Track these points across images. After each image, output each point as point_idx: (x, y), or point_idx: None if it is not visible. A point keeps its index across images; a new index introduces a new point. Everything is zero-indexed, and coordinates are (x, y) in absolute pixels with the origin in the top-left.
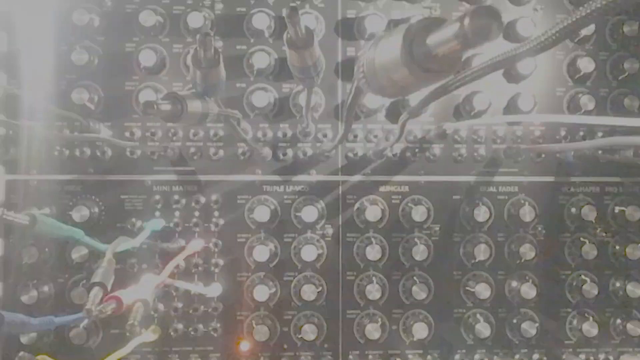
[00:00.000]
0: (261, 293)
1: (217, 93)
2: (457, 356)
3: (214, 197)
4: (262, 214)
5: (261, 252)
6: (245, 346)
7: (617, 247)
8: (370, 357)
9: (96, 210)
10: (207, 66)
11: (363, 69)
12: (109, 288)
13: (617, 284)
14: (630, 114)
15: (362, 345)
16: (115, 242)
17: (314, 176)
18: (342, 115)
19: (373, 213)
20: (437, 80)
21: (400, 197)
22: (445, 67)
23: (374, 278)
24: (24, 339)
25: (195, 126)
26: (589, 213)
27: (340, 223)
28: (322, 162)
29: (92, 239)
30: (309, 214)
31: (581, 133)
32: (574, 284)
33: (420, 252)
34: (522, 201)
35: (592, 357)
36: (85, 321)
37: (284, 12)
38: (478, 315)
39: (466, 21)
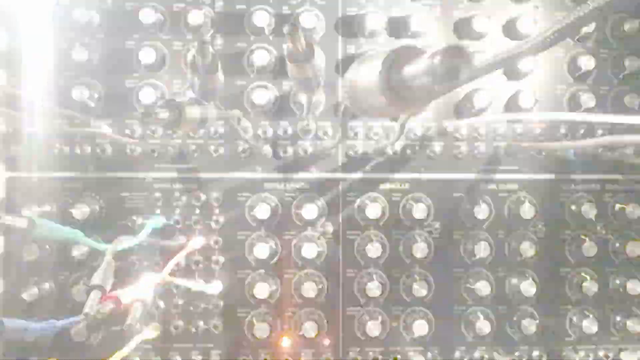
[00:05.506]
0: (262, 290)
1: (216, 97)
2: (457, 353)
3: (214, 195)
4: (262, 211)
5: (262, 250)
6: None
7: (618, 245)
8: (370, 354)
9: (97, 207)
10: (205, 72)
11: (347, 89)
12: (107, 290)
13: (618, 282)
14: (631, 112)
15: (362, 342)
16: (115, 242)
17: (314, 174)
18: (339, 121)
19: (373, 211)
20: (415, 108)
21: (400, 194)
22: (422, 98)
23: (374, 275)
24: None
25: (196, 131)
26: (590, 210)
27: (340, 220)
28: (322, 159)
29: (92, 239)
30: (310, 211)
31: (582, 131)
32: (574, 281)
33: (420, 249)
34: (523, 199)
35: (592, 354)
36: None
37: (285, 29)
38: (478, 313)
39: (436, 59)
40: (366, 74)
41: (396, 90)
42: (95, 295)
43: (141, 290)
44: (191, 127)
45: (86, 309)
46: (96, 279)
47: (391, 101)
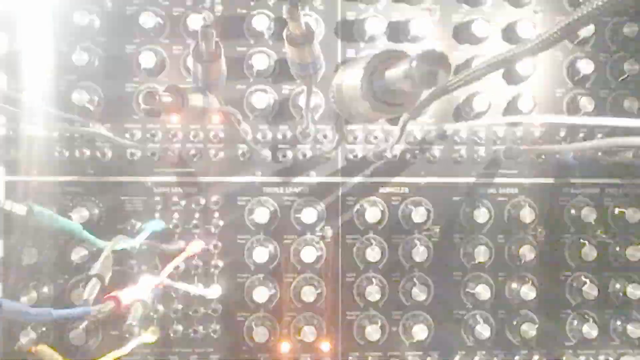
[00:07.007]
0: (261, 294)
1: (218, 88)
2: (457, 357)
3: (213, 199)
4: (261, 215)
5: (261, 254)
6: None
7: (617, 249)
8: (369, 358)
9: (96, 211)
10: (208, 60)
11: (333, 94)
12: (106, 281)
13: (617, 286)
14: (630, 115)
15: (361, 346)
16: (115, 240)
17: (313, 178)
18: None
19: (373, 214)
20: (396, 113)
21: (400, 198)
22: (404, 102)
23: (373, 279)
24: (23, 340)
25: (196, 122)
26: (589, 214)
27: (340, 224)
28: (321, 163)
29: (87, 249)
30: (309, 215)
31: (581, 134)
32: (574, 285)
33: (420, 253)
34: (522, 202)
35: (592, 359)
36: (85, 322)
37: (284, 8)
38: (478, 317)
39: (413, 64)
40: (350, 80)
41: (378, 96)
42: (93, 283)
43: (141, 291)
44: (192, 115)
45: (85, 296)
46: (94, 270)
47: (374, 106)
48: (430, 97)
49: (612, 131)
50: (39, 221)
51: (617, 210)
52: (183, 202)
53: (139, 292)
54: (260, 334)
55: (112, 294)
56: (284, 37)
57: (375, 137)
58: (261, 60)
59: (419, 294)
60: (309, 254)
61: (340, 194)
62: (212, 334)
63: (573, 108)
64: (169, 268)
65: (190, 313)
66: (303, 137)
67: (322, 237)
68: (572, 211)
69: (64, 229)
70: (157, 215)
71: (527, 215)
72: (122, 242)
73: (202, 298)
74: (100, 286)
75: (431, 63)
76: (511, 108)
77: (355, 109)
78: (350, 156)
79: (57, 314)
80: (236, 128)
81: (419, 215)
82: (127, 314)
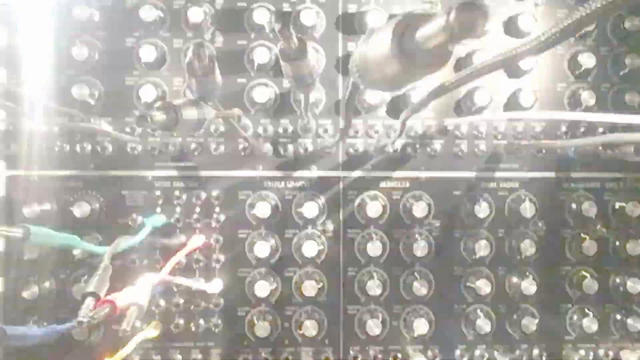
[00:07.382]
0: (262, 289)
1: (213, 98)
2: (457, 352)
3: (214, 193)
4: (263, 209)
5: (262, 248)
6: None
7: (618, 243)
8: (371, 352)
9: (97, 206)
10: (202, 74)
11: (356, 63)
12: (102, 295)
13: (617, 280)
14: (631, 110)
15: (362, 340)
16: (114, 245)
17: (314, 172)
18: (342, 110)
19: (374, 209)
20: (428, 73)
21: (401, 192)
22: (435, 61)
23: (374, 274)
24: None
25: (194, 132)
26: (590, 209)
27: (341, 219)
28: (322, 157)
29: (91, 237)
30: (310, 209)
31: (582, 129)
32: (574, 279)
33: (421, 248)
34: (523, 197)
35: (592, 353)
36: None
37: (276, 28)
38: (478, 311)
39: (452, 15)
40: (378, 44)
41: (410, 55)
42: (89, 302)
43: (137, 294)
44: (188, 128)
45: (80, 317)
46: (90, 286)
47: (406, 67)
48: (430, 95)
49: (614, 125)
50: (35, 242)
51: (617, 205)
52: (184, 197)
53: (135, 295)
54: (261, 329)
55: (109, 297)
56: (278, 53)
57: (376, 132)
58: (262, 54)
59: (420, 288)
60: (310, 249)
61: (341, 188)
62: (213, 329)
63: (574, 102)
64: (170, 264)
65: (192, 307)
66: (304, 131)
67: (324, 232)
68: (573, 205)
69: (62, 245)
70: (158, 209)
71: (528, 209)
72: (122, 244)
73: (204, 292)
74: (94, 303)
75: (470, 12)
76: (512, 102)
77: (382, 73)
78: (351, 150)
79: (61, 328)
80: (236, 128)
81: (419, 209)
82: (123, 316)
